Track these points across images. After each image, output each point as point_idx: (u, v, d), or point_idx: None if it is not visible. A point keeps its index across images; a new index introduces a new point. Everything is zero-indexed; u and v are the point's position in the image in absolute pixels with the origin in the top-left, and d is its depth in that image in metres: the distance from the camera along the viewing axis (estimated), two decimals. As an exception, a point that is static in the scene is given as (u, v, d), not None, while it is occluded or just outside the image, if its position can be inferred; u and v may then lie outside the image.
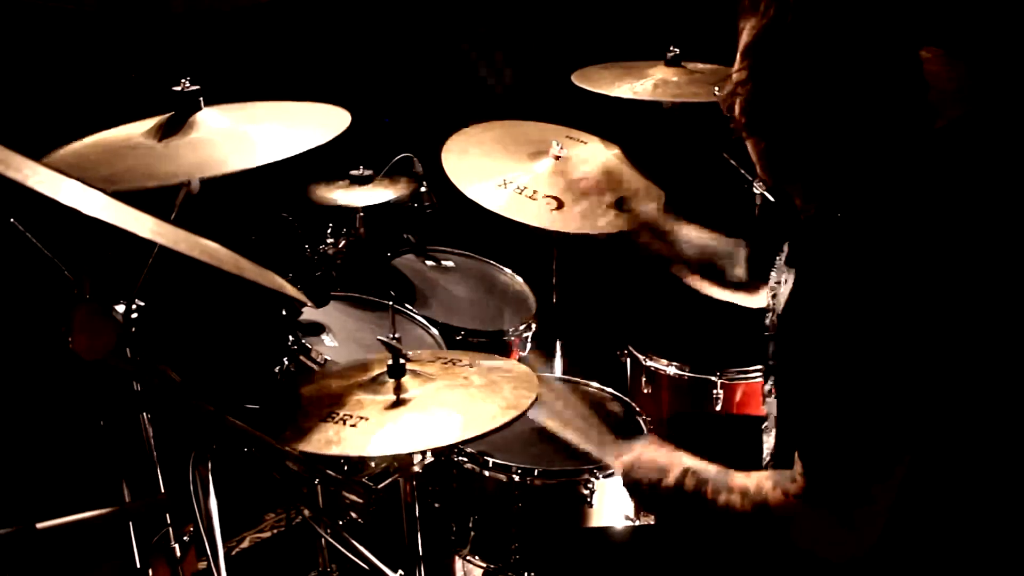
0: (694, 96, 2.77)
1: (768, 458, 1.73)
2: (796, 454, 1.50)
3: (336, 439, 1.77)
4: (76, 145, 1.87)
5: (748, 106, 1.53)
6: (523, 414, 1.81)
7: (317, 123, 1.95)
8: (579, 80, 2.89)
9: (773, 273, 1.76)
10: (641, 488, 1.72)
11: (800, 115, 1.48)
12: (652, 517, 2.60)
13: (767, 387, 1.74)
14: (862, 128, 1.47)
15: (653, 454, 1.72)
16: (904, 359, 1.41)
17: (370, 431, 1.79)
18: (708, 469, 1.63)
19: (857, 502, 1.44)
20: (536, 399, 1.88)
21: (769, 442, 1.72)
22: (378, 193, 2.58)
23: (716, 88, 1.65)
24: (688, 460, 1.67)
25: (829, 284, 1.46)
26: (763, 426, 1.75)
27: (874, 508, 1.45)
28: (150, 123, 1.90)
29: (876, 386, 1.41)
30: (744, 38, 1.54)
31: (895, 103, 1.48)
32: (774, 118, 1.51)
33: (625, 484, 1.76)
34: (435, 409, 1.85)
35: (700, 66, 2.95)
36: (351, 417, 1.82)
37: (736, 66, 1.56)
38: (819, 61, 1.45)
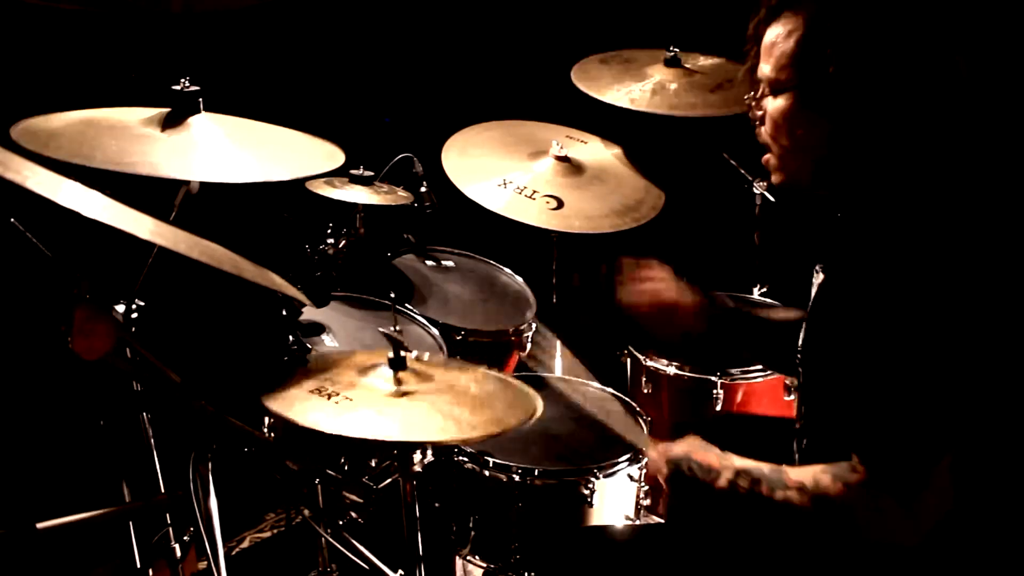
0: (691, 109, 2.76)
1: (798, 458, 1.74)
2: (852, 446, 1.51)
3: (311, 410, 1.73)
4: (72, 118, 1.87)
5: (817, 87, 1.53)
6: (499, 434, 1.78)
7: (310, 157, 1.98)
8: (578, 76, 2.88)
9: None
10: (689, 486, 1.71)
11: (876, 90, 1.51)
12: (652, 517, 2.60)
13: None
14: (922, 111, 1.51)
15: (702, 453, 1.72)
16: (950, 347, 1.45)
17: (346, 411, 1.76)
18: (760, 468, 1.63)
19: (917, 486, 1.47)
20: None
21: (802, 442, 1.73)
22: (379, 198, 2.58)
23: (745, 97, 1.67)
24: (738, 460, 1.67)
25: (872, 278, 1.49)
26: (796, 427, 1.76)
27: (931, 491, 1.47)
28: (148, 113, 1.91)
29: (927, 374, 1.45)
30: (792, 33, 1.55)
31: (947, 85, 1.52)
32: (852, 93, 1.52)
33: (670, 479, 1.75)
34: (420, 406, 1.81)
35: (701, 61, 2.93)
36: (337, 395, 1.79)
37: (778, 63, 1.58)
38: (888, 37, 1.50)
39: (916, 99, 1.51)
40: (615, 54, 3.00)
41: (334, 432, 1.75)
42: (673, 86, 2.82)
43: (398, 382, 1.87)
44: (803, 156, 1.62)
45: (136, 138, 1.82)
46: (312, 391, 1.79)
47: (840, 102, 1.53)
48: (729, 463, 1.67)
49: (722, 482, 1.65)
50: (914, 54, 1.50)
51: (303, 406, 1.74)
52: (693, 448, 1.74)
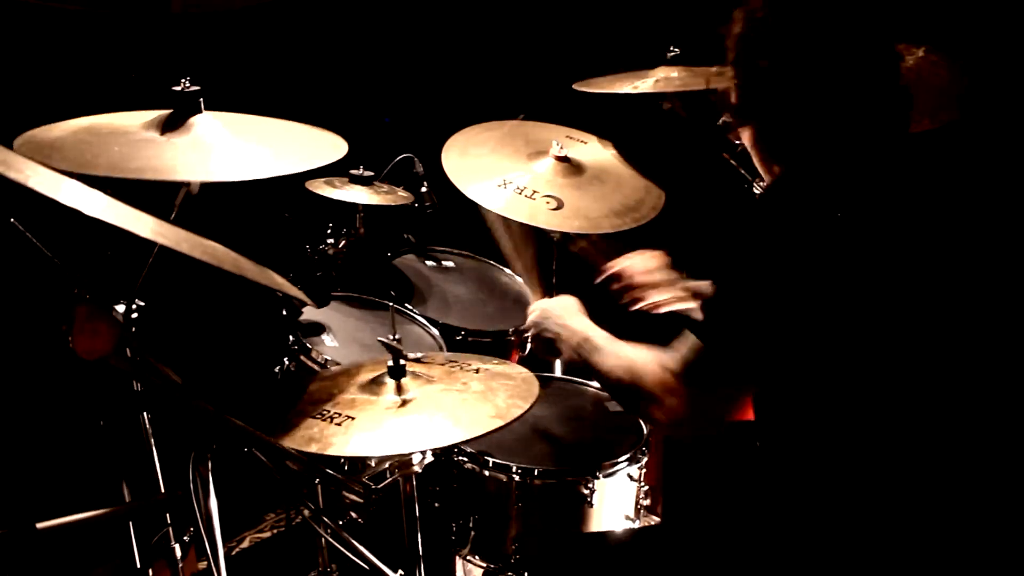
0: (696, 85, 2.75)
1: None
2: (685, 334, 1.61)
3: (319, 437, 1.77)
4: (73, 126, 1.87)
5: (740, 92, 1.64)
6: (509, 424, 1.82)
7: (313, 149, 1.98)
8: (580, 86, 2.89)
9: None
10: (548, 346, 1.99)
11: (784, 98, 1.59)
12: (652, 519, 2.60)
13: None
14: (838, 112, 1.57)
15: (559, 316, 1.96)
16: (810, 290, 1.51)
17: (353, 432, 1.78)
18: (601, 338, 1.83)
19: (729, 382, 1.59)
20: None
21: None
22: (379, 198, 2.58)
23: (713, 83, 1.74)
24: (591, 328, 1.87)
25: (767, 229, 1.59)
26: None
27: (737, 392, 1.63)
28: (148, 116, 1.91)
29: (776, 294, 1.53)
30: (735, 29, 1.63)
31: (869, 88, 1.56)
32: (763, 102, 1.62)
33: (533, 339, 2.05)
34: (422, 414, 1.84)
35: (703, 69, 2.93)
36: (339, 416, 1.82)
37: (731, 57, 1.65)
38: (799, 47, 1.57)
39: (842, 108, 1.57)
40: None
41: (344, 455, 1.79)
42: (675, 73, 2.83)
43: (399, 391, 1.88)
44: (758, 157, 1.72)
45: (139, 143, 1.82)
46: (314, 416, 1.83)
47: (766, 112, 1.63)
48: (580, 330, 1.88)
49: (568, 346, 1.89)
50: (836, 66, 1.55)
51: (308, 434, 1.78)
52: (556, 310, 1.99)
